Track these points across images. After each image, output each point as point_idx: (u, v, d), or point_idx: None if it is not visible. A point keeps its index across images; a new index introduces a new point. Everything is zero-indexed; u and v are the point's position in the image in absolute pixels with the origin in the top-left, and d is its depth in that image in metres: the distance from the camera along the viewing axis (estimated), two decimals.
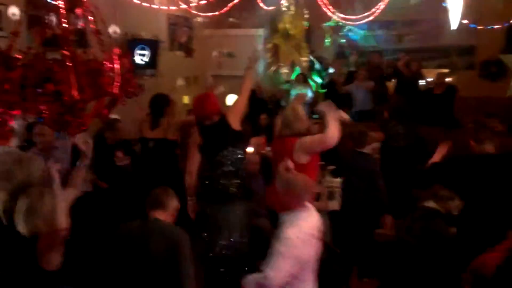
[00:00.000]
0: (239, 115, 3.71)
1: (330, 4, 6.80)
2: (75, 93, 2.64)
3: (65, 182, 2.57)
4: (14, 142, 3.93)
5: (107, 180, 4.17)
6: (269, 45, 4.17)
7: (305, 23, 4.12)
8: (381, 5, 6.05)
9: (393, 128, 5.22)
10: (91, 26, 2.90)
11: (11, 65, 2.55)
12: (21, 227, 2.26)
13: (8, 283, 2.29)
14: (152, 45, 7.16)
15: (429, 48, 7.48)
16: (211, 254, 3.63)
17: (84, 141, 2.48)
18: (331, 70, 7.94)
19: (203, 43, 8.27)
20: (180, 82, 6.79)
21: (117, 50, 2.87)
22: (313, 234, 2.65)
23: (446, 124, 6.22)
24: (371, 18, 6.61)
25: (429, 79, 7.21)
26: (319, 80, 8.47)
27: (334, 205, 4.40)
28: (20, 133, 4.15)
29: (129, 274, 2.63)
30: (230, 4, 6.85)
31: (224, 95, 6.90)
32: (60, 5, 2.69)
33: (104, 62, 2.84)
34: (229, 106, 6.27)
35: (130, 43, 6.76)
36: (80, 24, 2.99)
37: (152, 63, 7.23)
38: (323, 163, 4.35)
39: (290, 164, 2.98)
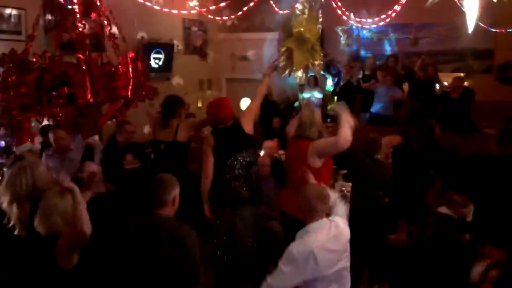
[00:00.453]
0: (252, 120, 3.75)
1: (345, 7, 6.78)
2: (89, 96, 2.69)
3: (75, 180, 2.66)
4: (38, 140, 4.02)
5: (114, 183, 4.19)
6: (283, 49, 4.15)
7: (320, 26, 4.10)
8: (397, 8, 6.00)
9: (407, 131, 5.17)
10: (106, 30, 2.94)
11: (27, 69, 2.60)
12: (41, 227, 2.32)
13: (26, 281, 2.35)
14: (167, 48, 7.23)
15: (445, 51, 7.39)
16: (224, 258, 3.64)
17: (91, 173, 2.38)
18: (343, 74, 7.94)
19: (217, 47, 8.32)
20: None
21: (131, 54, 2.91)
22: (327, 248, 2.58)
23: (462, 128, 6.14)
24: (386, 21, 6.55)
25: (445, 83, 7.13)
26: (331, 83, 8.46)
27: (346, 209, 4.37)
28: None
29: (138, 272, 2.65)
30: (244, 8, 6.88)
31: (238, 99, 6.94)
32: (76, 10, 2.73)
33: (119, 65, 2.88)
34: (242, 110, 6.33)
35: (146, 47, 6.85)
36: (95, 28, 3.04)
37: (167, 67, 7.30)
38: (335, 167, 4.33)
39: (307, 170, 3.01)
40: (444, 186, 4.66)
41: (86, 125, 2.77)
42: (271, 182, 4.73)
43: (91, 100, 2.71)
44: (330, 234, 2.61)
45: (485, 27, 6.05)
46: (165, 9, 5.80)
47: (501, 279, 2.61)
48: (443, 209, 3.73)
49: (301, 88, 7.92)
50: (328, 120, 7.83)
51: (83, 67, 2.68)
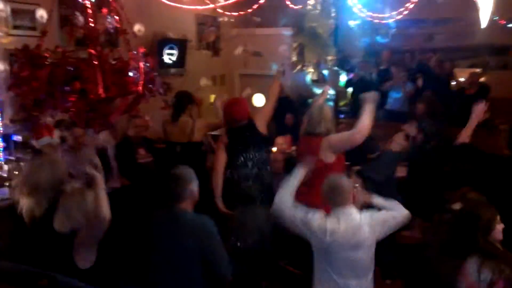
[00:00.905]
0: (265, 120, 3.80)
1: (360, 2, 6.70)
2: (101, 91, 2.71)
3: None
4: (56, 134, 4.08)
5: (129, 177, 4.25)
6: (295, 45, 4.14)
7: (333, 21, 4.07)
8: (411, 3, 5.91)
9: (427, 126, 5.09)
10: (117, 25, 2.96)
11: (39, 64, 2.63)
12: (62, 225, 2.29)
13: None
14: (181, 44, 7.25)
15: (461, 47, 7.27)
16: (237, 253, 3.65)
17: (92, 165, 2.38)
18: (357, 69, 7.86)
19: (230, 42, 8.31)
20: (204, 81, 6.84)
21: (141, 49, 2.92)
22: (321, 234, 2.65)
23: (478, 124, 6.03)
24: (401, 15, 6.47)
25: (461, 79, 7.01)
26: (345, 78, 8.39)
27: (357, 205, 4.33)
28: None
29: (160, 267, 2.66)
30: (257, 3, 6.85)
31: (251, 95, 6.92)
32: (87, 5, 2.75)
33: (129, 61, 2.89)
34: (255, 107, 6.33)
35: (160, 43, 6.88)
36: (107, 23, 3.05)
37: (180, 62, 7.32)
38: (348, 163, 4.30)
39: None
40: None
41: (97, 120, 2.80)
42: (284, 179, 4.71)
43: (103, 95, 2.73)
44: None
45: (501, 22, 5.93)
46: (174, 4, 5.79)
47: None
48: (457, 206, 3.67)
49: (314, 83, 7.87)
50: (342, 116, 7.81)
51: (95, 62, 2.70)
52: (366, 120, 3.30)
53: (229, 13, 7.03)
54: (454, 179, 4.96)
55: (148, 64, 2.92)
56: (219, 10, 6.66)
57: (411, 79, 7.19)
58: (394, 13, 6.45)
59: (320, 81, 7.70)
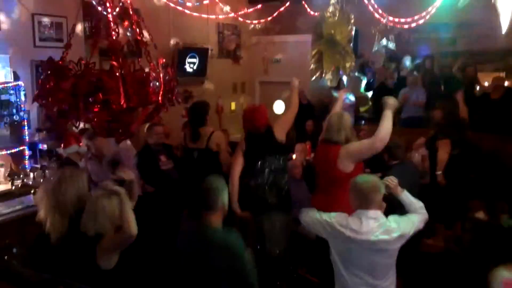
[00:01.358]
0: (285, 128, 3.80)
1: (380, 7, 6.66)
2: (122, 101, 2.77)
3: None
4: (84, 142, 4.20)
5: (153, 184, 4.32)
6: (313, 52, 4.15)
7: (352, 27, 4.07)
8: (433, 8, 5.84)
9: (448, 135, 4.99)
10: (138, 37, 3.03)
11: (63, 76, 2.71)
12: (87, 228, 2.36)
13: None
14: (202, 53, 7.35)
15: (485, 51, 7.10)
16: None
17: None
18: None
19: (250, 50, 8.38)
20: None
21: (161, 60, 2.98)
22: (348, 236, 2.63)
23: (503, 130, 5.90)
24: (422, 21, 6.39)
25: (485, 84, 6.87)
26: (365, 84, 8.34)
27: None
28: None
29: (187, 280, 2.70)
30: (277, 11, 6.90)
31: (271, 101, 6.95)
32: (110, 18, 2.83)
33: (150, 72, 2.96)
34: (275, 114, 6.35)
35: (181, 51, 6.99)
36: (129, 36, 3.13)
37: (201, 70, 7.42)
38: (368, 170, 4.26)
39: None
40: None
41: (119, 129, 2.86)
42: (303, 185, 4.71)
43: (124, 106, 2.79)
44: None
45: None
46: (204, 15, 5.90)
47: None
48: (481, 214, 3.61)
49: (333, 90, 7.85)
50: (362, 122, 7.74)
51: (117, 74, 2.77)
52: (386, 127, 3.24)
53: (249, 21, 7.10)
54: (478, 187, 4.87)
55: (168, 75, 2.98)
56: (240, 19, 6.73)
57: (435, 85, 7.10)
58: (416, 17, 6.39)
59: (341, 87, 7.68)
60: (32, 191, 4.31)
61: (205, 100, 4.50)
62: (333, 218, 2.75)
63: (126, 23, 3.09)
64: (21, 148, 4.73)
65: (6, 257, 2.43)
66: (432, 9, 5.77)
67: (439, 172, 4.64)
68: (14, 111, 4.63)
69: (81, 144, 4.09)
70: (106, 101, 2.78)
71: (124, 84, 2.80)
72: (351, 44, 4.28)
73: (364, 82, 8.45)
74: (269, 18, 7.03)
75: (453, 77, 7.06)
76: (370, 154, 3.44)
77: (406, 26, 6.91)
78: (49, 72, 2.78)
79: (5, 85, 4.57)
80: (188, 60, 7.17)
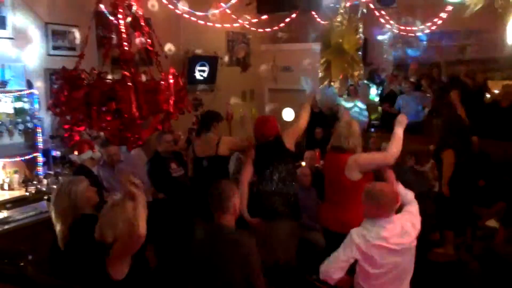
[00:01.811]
0: (294, 137, 3.87)
1: (389, 16, 6.69)
2: (134, 110, 2.81)
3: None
4: (97, 148, 4.29)
5: (164, 191, 4.38)
6: (322, 60, 4.18)
7: (360, 36, 4.08)
8: (442, 15, 5.86)
9: (454, 144, 4.97)
10: (149, 47, 3.08)
11: (76, 85, 2.77)
12: (106, 235, 2.34)
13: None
14: (211, 61, 7.42)
15: (494, 58, 7.07)
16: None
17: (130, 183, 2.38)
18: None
19: (259, 58, 8.43)
20: (234, 100, 6.95)
21: (172, 70, 3.02)
22: (380, 245, 2.67)
23: None
24: (432, 28, 6.41)
25: (495, 91, 6.85)
26: (375, 92, 8.35)
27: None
28: None
29: (199, 283, 2.74)
30: (284, 21, 6.96)
31: (280, 109, 6.98)
32: (121, 27, 2.88)
33: (161, 81, 3.00)
34: (284, 121, 6.38)
35: (191, 60, 7.07)
36: (140, 45, 3.18)
37: (211, 78, 7.49)
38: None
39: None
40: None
41: (130, 138, 2.90)
42: (312, 193, 4.73)
43: (136, 114, 2.83)
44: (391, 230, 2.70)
45: None
46: (218, 25, 5.97)
47: None
48: (492, 222, 3.60)
49: (342, 98, 7.89)
50: (372, 129, 7.75)
51: (129, 84, 2.81)
52: (395, 144, 3.32)
53: (259, 30, 7.17)
54: (488, 194, 4.85)
55: (178, 85, 3.02)
56: (249, 27, 6.80)
57: (443, 92, 7.08)
58: (424, 25, 6.41)
59: (351, 94, 7.71)
60: (45, 197, 4.39)
61: (216, 111, 4.58)
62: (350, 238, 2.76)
63: (137, 34, 3.13)
64: (35, 154, 4.81)
65: (21, 263, 2.47)
66: (440, 18, 5.81)
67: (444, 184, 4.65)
68: (28, 118, 4.73)
69: (94, 150, 4.16)
70: (118, 110, 2.82)
71: (136, 94, 2.84)
72: (360, 53, 4.29)
73: (373, 89, 8.47)
74: (278, 27, 7.09)
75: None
76: (382, 166, 3.45)
77: (414, 34, 6.96)
78: (62, 81, 2.84)
79: (20, 93, 4.67)
80: (198, 68, 7.25)
